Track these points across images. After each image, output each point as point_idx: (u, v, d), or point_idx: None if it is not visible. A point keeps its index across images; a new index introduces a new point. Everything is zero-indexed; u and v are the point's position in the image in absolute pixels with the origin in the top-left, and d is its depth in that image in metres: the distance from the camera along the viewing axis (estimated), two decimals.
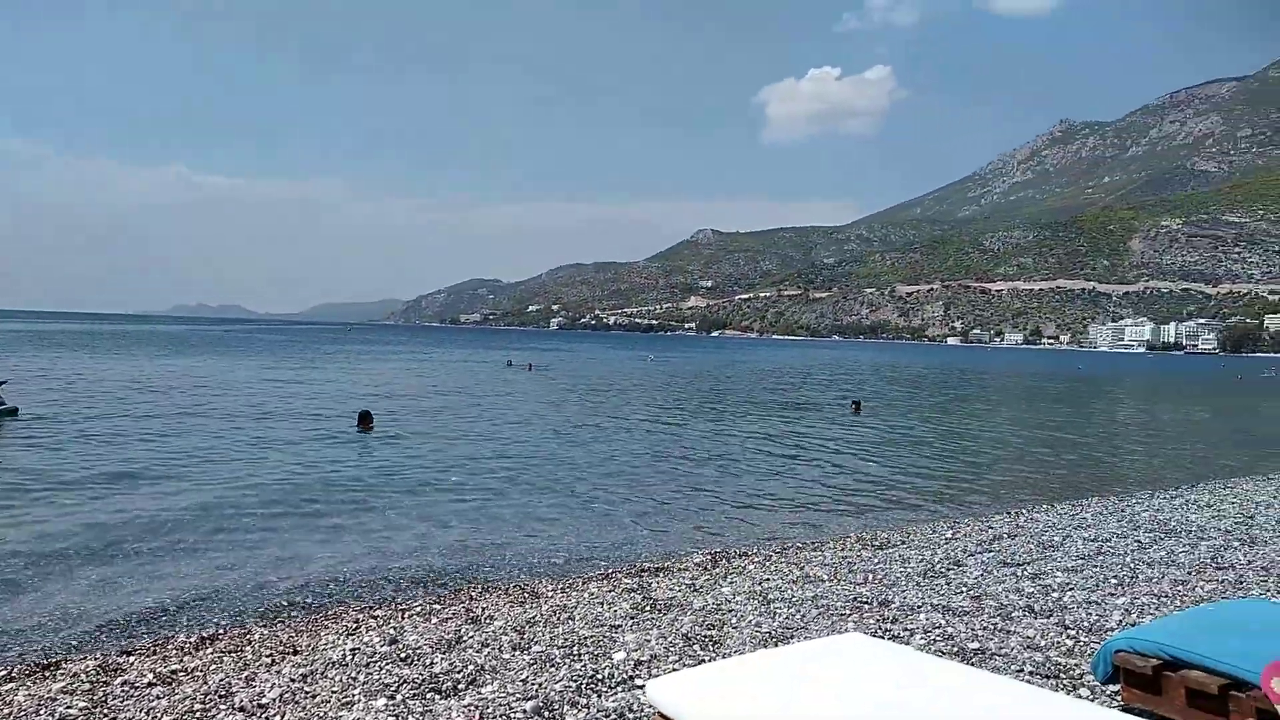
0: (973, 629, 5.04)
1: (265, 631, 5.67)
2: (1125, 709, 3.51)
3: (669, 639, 4.90)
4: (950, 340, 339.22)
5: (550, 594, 6.36)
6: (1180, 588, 6.07)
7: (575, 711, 3.81)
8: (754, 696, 2.52)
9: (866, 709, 2.43)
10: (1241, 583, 6.23)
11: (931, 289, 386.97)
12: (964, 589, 6.05)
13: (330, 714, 3.93)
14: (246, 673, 4.62)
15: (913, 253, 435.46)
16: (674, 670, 4.21)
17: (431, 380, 37.06)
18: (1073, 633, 4.95)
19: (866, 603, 5.71)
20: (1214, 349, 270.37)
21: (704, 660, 4.49)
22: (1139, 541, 7.79)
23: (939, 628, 5.08)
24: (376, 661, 4.66)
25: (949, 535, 8.57)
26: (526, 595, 6.35)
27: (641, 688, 3.99)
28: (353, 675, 4.44)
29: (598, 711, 3.80)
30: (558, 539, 8.85)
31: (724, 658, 4.39)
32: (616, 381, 40.88)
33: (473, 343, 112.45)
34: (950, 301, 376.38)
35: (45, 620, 5.94)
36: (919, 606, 5.57)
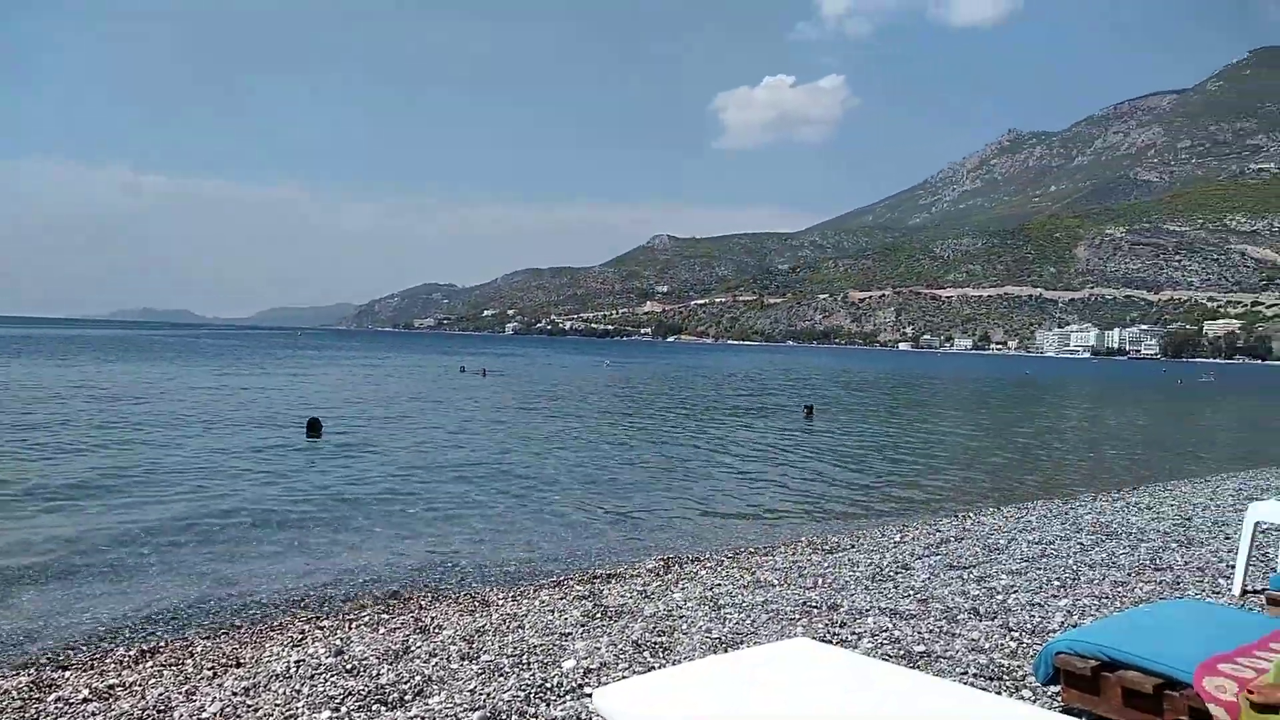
0: (919, 632, 5.10)
1: (208, 644, 5.56)
2: (1065, 709, 3.57)
3: (619, 646, 4.88)
4: (902, 345, 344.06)
5: (501, 602, 6.32)
6: (1120, 589, 6.20)
7: None
8: (699, 704, 2.53)
9: (810, 714, 2.45)
10: (1179, 583, 6.39)
11: (883, 295, 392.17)
12: (911, 592, 6.13)
13: None
14: (187, 686, 4.52)
15: (865, 259, 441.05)
16: (624, 678, 4.20)
17: (383, 386, 36.66)
18: (1016, 634, 5.03)
19: (816, 607, 5.75)
20: (1156, 354, 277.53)
21: (654, 667, 4.49)
22: (1081, 544, 7.95)
23: (886, 631, 5.13)
24: (321, 673, 4.59)
25: (898, 539, 8.67)
26: (477, 604, 6.30)
27: (590, 696, 3.97)
28: (296, 688, 4.36)
29: None
30: (510, 547, 8.80)
31: (674, 664, 4.40)
32: (572, 387, 40.80)
33: (426, 348, 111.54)
34: (902, 307, 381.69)
35: None
36: (867, 610, 5.62)
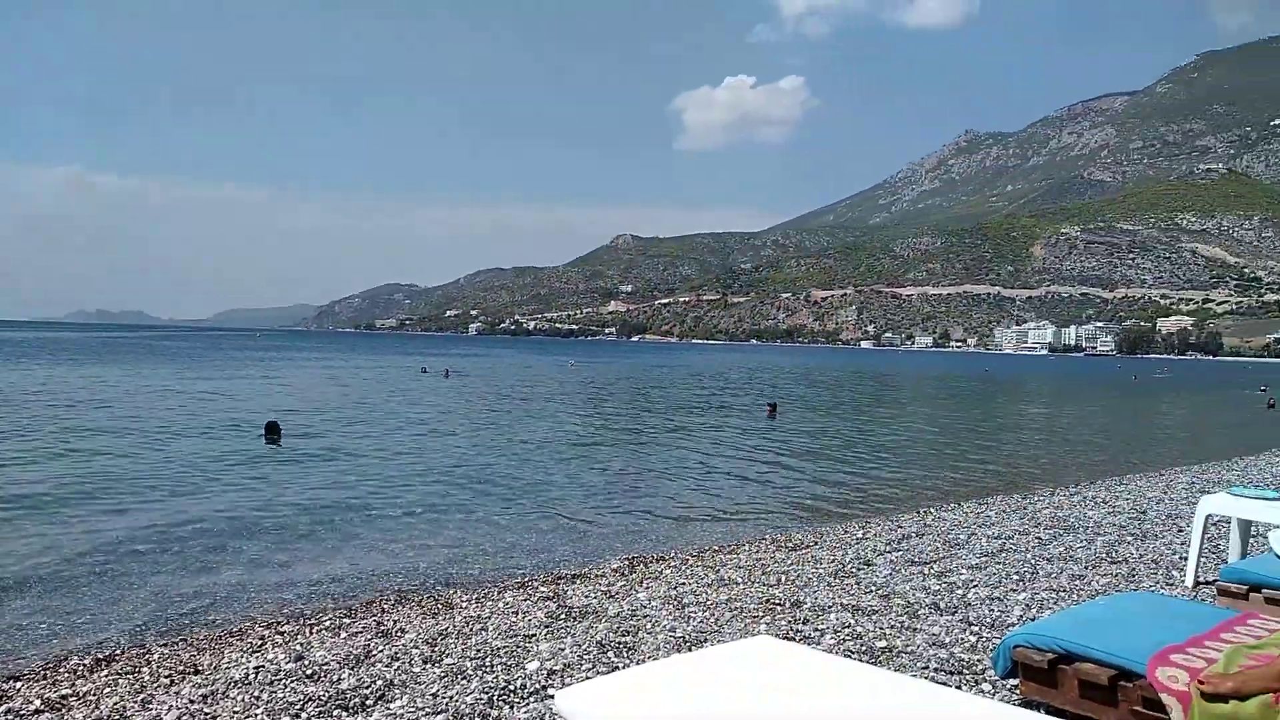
0: (881, 627, 5.15)
1: (166, 651, 5.45)
2: (1024, 702, 3.63)
3: (583, 647, 4.87)
4: (864, 343, 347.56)
5: (464, 604, 6.27)
6: (1078, 582, 6.31)
7: None
8: (660, 704, 2.53)
9: (770, 713, 2.46)
10: (1134, 576, 6.52)
11: (845, 294, 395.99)
12: (873, 588, 6.18)
13: None
14: (143, 695, 4.43)
15: (826, 259, 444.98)
16: (588, 679, 4.19)
17: (343, 388, 36.27)
18: (976, 629, 5.09)
19: (779, 604, 5.78)
20: (1111, 350, 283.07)
21: (618, 667, 4.48)
22: (1039, 538, 8.08)
23: (848, 627, 5.18)
24: (281, 679, 4.53)
25: (860, 535, 8.74)
26: (440, 606, 6.25)
27: (553, 697, 3.96)
28: (255, 695, 4.30)
29: None
30: (474, 549, 8.74)
31: (638, 664, 4.40)
32: (536, 387, 40.67)
33: (388, 349, 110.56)
34: (863, 306, 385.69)
35: None
36: (829, 606, 5.67)
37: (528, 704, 4.00)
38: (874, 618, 5.37)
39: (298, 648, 5.20)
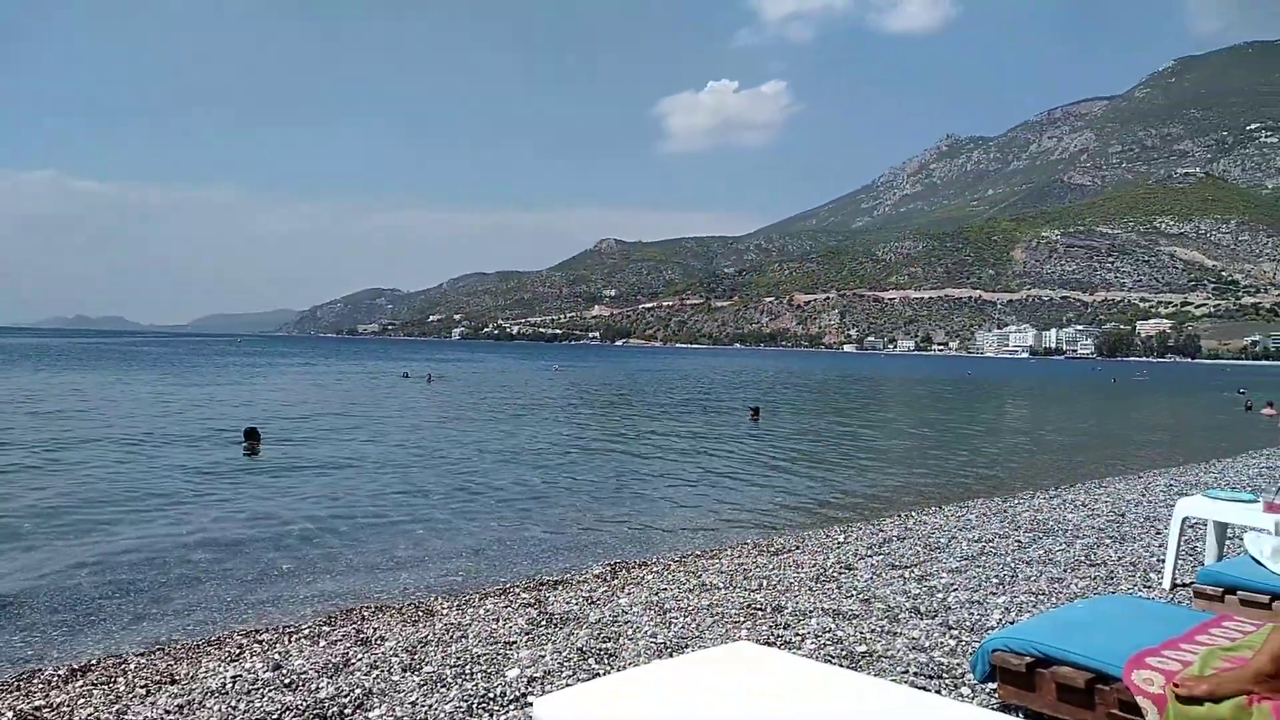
0: (861, 632, 5.16)
1: (142, 660, 5.40)
2: (1002, 706, 3.65)
3: (564, 654, 4.86)
4: (846, 347, 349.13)
5: (445, 612, 6.24)
6: (1056, 585, 6.34)
7: None
8: (639, 710, 2.52)
9: (750, 718, 2.45)
10: (1112, 578, 6.56)
11: (828, 298, 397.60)
12: (854, 592, 6.20)
13: None
14: (118, 705, 4.38)
15: (810, 262, 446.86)
16: (568, 686, 4.18)
17: (324, 394, 36.07)
18: (955, 632, 5.11)
19: (760, 609, 5.78)
20: (1091, 353, 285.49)
21: (599, 674, 4.47)
22: (1019, 541, 8.12)
23: (829, 631, 5.18)
24: (259, 688, 4.49)
25: (841, 539, 8.76)
26: (420, 614, 6.22)
27: (533, 704, 3.94)
28: (233, 704, 4.26)
29: None
30: (455, 555, 8.70)
31: (618, 670, 4.39)
32: (520, 393, 40.57)
33: (371, 354, 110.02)
34: (846, 309, 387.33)
35: None
36: (810, 611, 5.67)
37: (508, 711, 3.98)
38: (854, 622, 5.38)
39: (276, 656, 5.16)
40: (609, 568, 7.78)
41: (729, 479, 14.55)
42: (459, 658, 4.85)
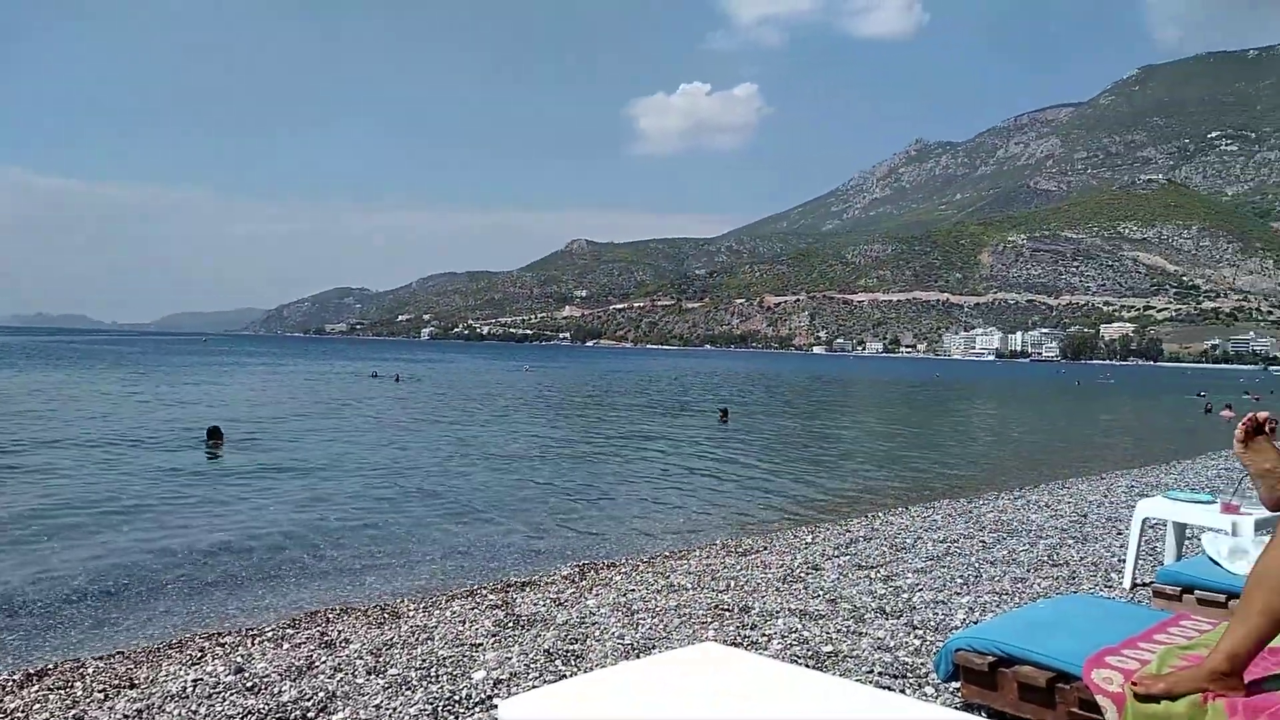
0: (827, 632, 5.18)
1: (100, 664, 5.30)
2: (965, 705, 3.68)
3: (531, 656, 4.84)
4: (816, 349, 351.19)
5: (411, 613, 6.19)
6: (1020, 585, 6.41)
7: None
8: (605, 712, 2.51)
9: (715, 718, 2.45)
10: (1074, 578, 6.65)
11: (798, 300, 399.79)
12: (821, 593, 6.23)
13: None
14: (75, 710, 4.30)
15: (780, 265, 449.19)
16: (534, 688, 4.16)
17: (290, 394, 35.69)
18: (920, 632, 5.15)
19: (728, 609, 5.79)
20: (1056, 356, 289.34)
21: (565, 675, 4.45)
22: (984, 541, 8.20)
23: (795, 632, 5.20)
24: (220, 692, 4.42)
25: (809, 540, 8.81)
26: (386, 616, 6.16)
27: (498, 707, 3.92)
28: (193, 709, 4.19)
29: None
30: (422, 557, 8.64)
31: (585, 672, 4.38)
32: (490, 393, 40.39)
33: (338, 354, 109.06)
34: (815, 311, 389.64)
35: None
36: (777, 612, 5.69)
37: (473, 714, 3.96)
38: (821, 622, 5.41)
39: (238, 659, 5.09)
40: (577, 569, 7.76)
41: (698, 479, 14.58)
42: (424, 660, 4.81)
